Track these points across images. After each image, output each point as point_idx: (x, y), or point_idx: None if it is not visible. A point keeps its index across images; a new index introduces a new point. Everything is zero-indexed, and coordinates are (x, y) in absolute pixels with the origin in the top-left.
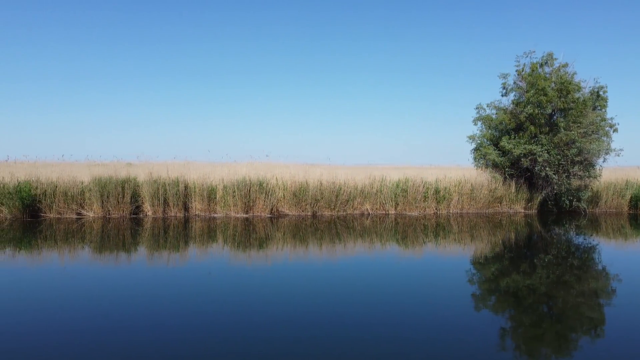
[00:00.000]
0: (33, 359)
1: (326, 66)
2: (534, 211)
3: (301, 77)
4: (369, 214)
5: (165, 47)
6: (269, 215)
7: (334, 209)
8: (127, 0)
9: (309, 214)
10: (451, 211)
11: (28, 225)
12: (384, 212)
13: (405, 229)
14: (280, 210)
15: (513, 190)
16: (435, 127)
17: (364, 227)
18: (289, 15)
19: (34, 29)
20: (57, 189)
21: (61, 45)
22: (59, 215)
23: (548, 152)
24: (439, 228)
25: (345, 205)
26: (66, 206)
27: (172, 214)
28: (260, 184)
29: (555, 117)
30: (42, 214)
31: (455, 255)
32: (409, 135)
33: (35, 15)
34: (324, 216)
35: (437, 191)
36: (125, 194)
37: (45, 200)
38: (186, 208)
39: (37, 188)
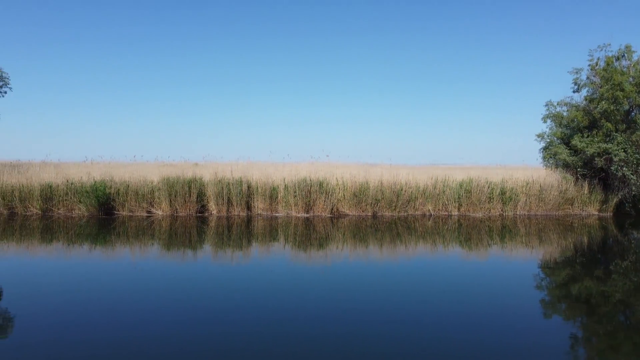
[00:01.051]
0: (102, 349)
1: (386, 67)
2: (609, 214)
3: (360, 80)
4: (431, 215)
5: (233, 55)
6: (329, 215)
7: (394, 209)
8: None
9: (369, 214)
10: (518, 213)
11: (103, 222)
12: (446, 213)
13: (468, 230)
14: (340, 210)
15: (586, 192)
16: (501, 125)
17: (426, 228)
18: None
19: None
20: (129, 188)
21: (140, 53)
22: (131, 213)
23: (625, 151)
24: (504, 230)
25: (406, 206)
26: (137, 204)
27: (236, 213)
28: (321, 184)
29: (633, 113)
30: (115, 212)
31: (523, 259)
32: (474, 134)
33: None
34: (385, 217)
35: (502, 192)
36: (192, 193)
37: (118, 198)
38: (249, 207)
39: (111, 187)
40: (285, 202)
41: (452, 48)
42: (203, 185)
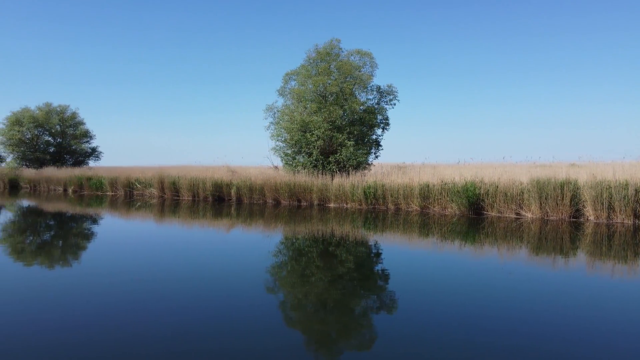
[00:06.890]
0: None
1: None
2: None
3: None
4: None
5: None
6: None
7: None
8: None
9: None
10: None
11: (472, 221)
12: None
13: None
14: None
15: None
16: None
17: None
18: None
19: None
20: (498, 189)
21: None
22: (499, 214)
23: None
24: None
25: None
26: (506, 205)
27: (618, 221)
28: None
29: None
30: (484, 212)
31: None
32: None
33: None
34: None
35: None
36: (565, 196)
37: (487, 199)
38: (636, 215)
39: (480, 188)
40: None
41: None
42: (578, 187)
